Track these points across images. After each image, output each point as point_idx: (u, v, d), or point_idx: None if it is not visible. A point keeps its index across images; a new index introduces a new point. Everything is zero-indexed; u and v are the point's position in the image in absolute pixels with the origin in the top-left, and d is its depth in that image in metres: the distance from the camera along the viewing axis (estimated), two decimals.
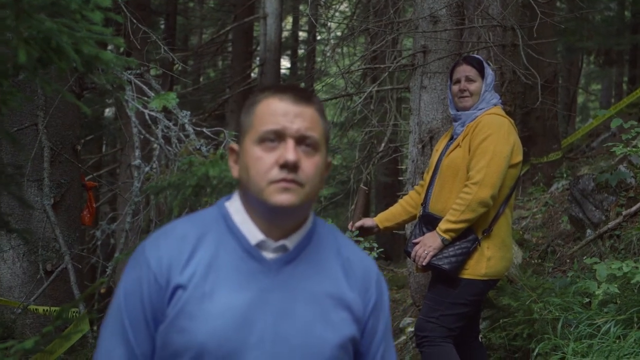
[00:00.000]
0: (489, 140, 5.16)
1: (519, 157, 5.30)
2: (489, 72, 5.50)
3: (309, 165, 2.17)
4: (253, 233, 2.22)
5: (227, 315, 2.14)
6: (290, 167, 2.12)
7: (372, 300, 2.34)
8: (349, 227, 5.87)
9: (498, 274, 5.26)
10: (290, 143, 2.15)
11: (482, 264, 5.19)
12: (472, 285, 5.22)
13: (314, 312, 2.21)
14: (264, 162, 2.15)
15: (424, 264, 5.22)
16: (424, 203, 5.48)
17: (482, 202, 5.07)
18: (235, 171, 2.29)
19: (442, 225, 5.18)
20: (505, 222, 5.31)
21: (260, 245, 2.22)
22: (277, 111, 2.17)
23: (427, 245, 5.22)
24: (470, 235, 5.19)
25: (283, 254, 2.23)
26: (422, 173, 6.76)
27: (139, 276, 2.22)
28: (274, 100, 2.19)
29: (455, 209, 5.13)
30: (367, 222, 5.86)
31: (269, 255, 2.22)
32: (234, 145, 2.29)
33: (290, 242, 2.23)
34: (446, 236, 5.15)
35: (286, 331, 2.17)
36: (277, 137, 2.16)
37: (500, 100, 5.53)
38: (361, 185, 7.38)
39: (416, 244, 5.32)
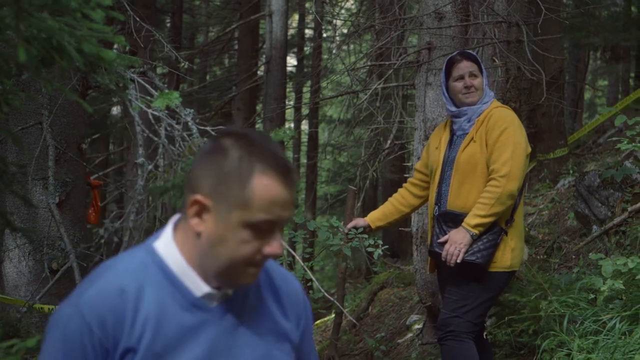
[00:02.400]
0: (507, 133, 5.22)
1: (529, 148, 5.37)
2: (483, 66, 5.55)
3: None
4: (197, 285, 2.11)
5: None
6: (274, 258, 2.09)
7: (303, 324, 2.34)
8: (345, 228, 5.90)
9: (519, 264, 5.31)
10: (278, 235, 2.07)
11: (507, 255, 5.23)
12: (499, 277, 5.26)
13: (260, 353, 2.18)
14: (249, 248, 2.04)
15: (458, 261, 5.19)
16: (439, 202, 5.46)
17: (511, 194, 5.12)
18: (199, 226, 2.06)
19: (471, 220, 5.17)
20: (522, 212, 5.37)
21: (205, 297, 2.12)
22: (278, 200, 2.03)
23: (457, 243, 5.19)
24: (495, 227, 5.22)
25: (225, 302, 2.15)
26: None
27: (80, 344, 2.01)
28: (274, 183, 2.03)
29: (484, 203, 5.13)
30: (360, 222, 5.88)
31: (213, 303, 2.13)
32: (201, 198, 2.04)
33: (230, 288, 2.16)
34: (475, 231, 5.16)
35: None
36: (270, 226, 2.05)
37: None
38: (348, 186, 7.39)
39: (443, 243, 5.29)
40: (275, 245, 2.06)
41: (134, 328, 2.02)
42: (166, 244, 2.13)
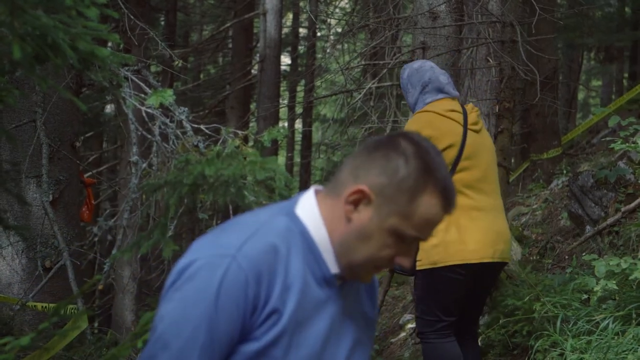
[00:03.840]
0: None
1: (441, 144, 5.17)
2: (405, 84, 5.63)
3: None
4: (333, 262, 2.14)
5: (315, 345, 2.11)
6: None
7: (377, 308, 2.41)
8: None
9: (452, 258, 5.07)
10: (414, 250, 2.15)
11: (431, 252, 5.10)
12: (429, 274, 5.14)
13: (355, 338, 2.24)
14: (387, 253, 2.10)
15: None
16: None
17: None
18: (351, 213, 2.09)
19: None
20: None
21: (335, 275, 2.15)
22: (434, 222, 2.09)
23: None
24: None
25: (343, 282, 2.19)
26: None
27: (235, 297, 2.00)
28: (438, 207, 2.08)
29: None
30: None
31: (337, 283, 2.17)
32: (368, 191, 2.07)
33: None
34: None
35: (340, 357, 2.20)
36: (415, 241, 2.11)
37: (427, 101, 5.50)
38: None
39: None
40: (408, 259, 2.12)
41: (283, 290, 2.04)
42: (312, 216, 2.15)
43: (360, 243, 2.09)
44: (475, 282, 5.19)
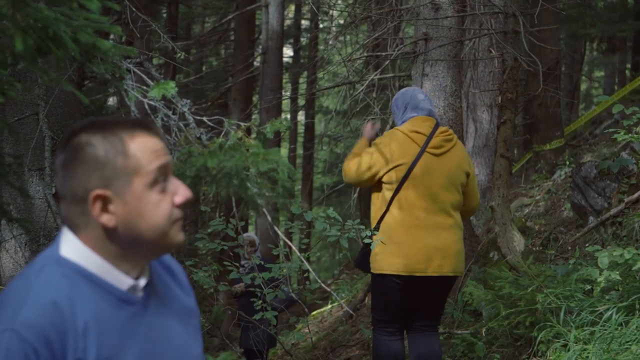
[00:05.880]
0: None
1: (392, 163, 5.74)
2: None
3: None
4: (120, 279, 2.03)
5: None
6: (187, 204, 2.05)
7: (193, 295, 2.32)
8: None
9: (388, 268, 5.66)
10: (176, 181, 2.06)
11: (374, 258, 5.74)
12: (375, 279, 5.81)
13: (183, 332, 2.17)
14: (164, 205, 2.01)
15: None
16: None
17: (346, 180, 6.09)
18: (111, 220, 1.99)
19: None
20: (393, 220, 5.72)
21: (130, 289, 2.05)
22: (155, 149, 2.03)
23: None
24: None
25: (145, 290, 2.10)
26: None
27: None
28: (145, 137, 2.03)
29: None
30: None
31: (138, 294, 2.07)
32: (100, 191, 1.98)
33: (145, 276, 2.11)
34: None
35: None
36: (164, 173, 2.03)
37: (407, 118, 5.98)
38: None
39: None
40: (181, 191, 2.04)
41: (78, 339, 1.92)
42: (77, 250, 2.03)
43: (140, 227, 2.00)
44: (415, 292, 5.72)
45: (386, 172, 5.70)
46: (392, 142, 5.75)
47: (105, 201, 1.99)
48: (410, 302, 5.77)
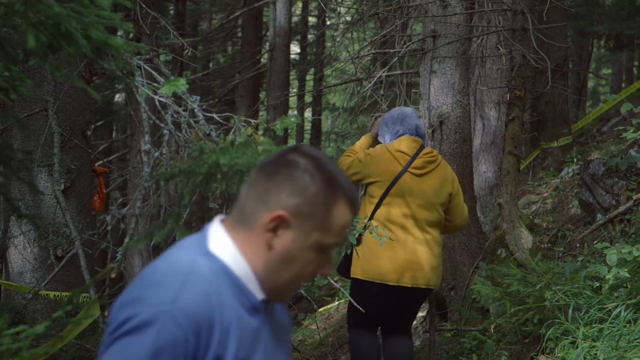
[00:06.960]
0: None
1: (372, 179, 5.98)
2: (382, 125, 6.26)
3: None
4: (257, 289, 2.13)
5: None
6: None
7: (287, 311, 2.44)
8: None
9: (364, 275, 5.86)
10: (331, 257, 2.17)
11: (355, 264, 5.92)
12: (354, 284, 6.01)
13: (283, 349, 2.29)
14: (311, 268, 2.14)
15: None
16: None
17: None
18: (272, 240, 2.10)
19: None
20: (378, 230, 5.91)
21: (262, 302, 2.16)
22: (347, 225, 2.15)
23: None
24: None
25: (266, 304, 2.20)
26: None
27: (173, 354, 1.94)
28: (348, 210, 2.14)
29: None
30: None
31: (263, 306, 2.18)
32: (285, 215, 2.08)
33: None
34: None
35: None
36: (333, 249, 2.17)
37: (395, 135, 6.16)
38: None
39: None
40: (327, 267, 2.16)
41: (222, 335, 2.01)
42: (229, 251, 2.13)
43: (285, 265, 2.11)
44: (388, 301, 5.95)
45: (369, 184, 5.99)
46: (378, 157, 5.97)
47: (282, 224, 2.09)
48: (383, 309, 6.02)
